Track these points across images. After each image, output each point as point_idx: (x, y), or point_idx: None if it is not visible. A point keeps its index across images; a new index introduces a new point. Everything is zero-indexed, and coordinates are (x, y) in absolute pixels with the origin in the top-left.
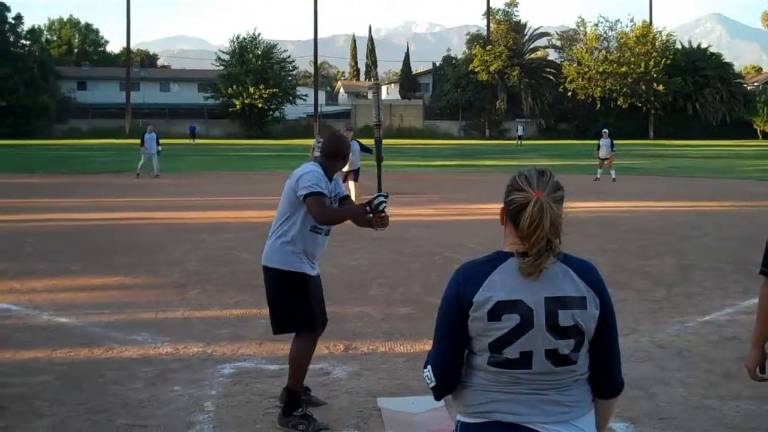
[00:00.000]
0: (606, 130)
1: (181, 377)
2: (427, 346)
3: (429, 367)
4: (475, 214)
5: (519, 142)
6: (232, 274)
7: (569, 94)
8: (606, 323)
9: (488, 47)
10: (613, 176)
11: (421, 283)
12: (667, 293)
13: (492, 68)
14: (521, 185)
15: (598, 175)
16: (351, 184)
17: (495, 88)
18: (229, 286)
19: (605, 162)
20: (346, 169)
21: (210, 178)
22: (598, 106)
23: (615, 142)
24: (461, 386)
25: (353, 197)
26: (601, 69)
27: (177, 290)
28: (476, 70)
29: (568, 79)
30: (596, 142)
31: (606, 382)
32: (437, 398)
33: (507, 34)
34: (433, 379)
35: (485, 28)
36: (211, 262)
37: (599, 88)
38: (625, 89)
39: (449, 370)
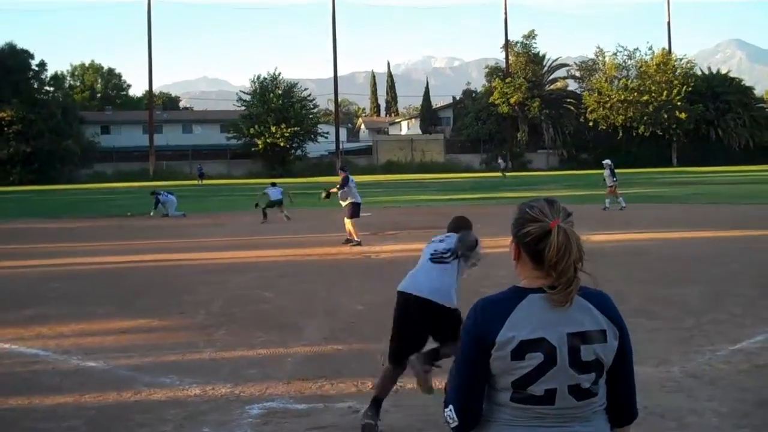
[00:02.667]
0: (606, 161)
1: (209, 419)
2: None
3: (450, 406)
4: (499, 246)
5: (503, 174)
6: (257, 314)
7: (590, 123)
8: (624, 354)
9: (508, 79)
10: (623, 204)
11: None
12: (697, 321)
13: (512, 100)
14: (535, 216)
15: (606, 205)
16: (347, 221)
17: (516, 120)
18: (255, 325)
19: (609, 191)
20: (344, 204)
21: (231, 218)
22: (620, 135)
23: (632, 170)
24: (483, 421)
25: (352, 234)
26: (621, 97)
27: (203, 331)
28: (496, 102)
29: (589, 109)
30: (616, 171)
31: (623, 410)
32: None
33: (526, 66)
34: (456, 419)
35: (504, 60)
36: (237, 302)
37: (620, 117)
38: (646, 117)
39: (472, 409)
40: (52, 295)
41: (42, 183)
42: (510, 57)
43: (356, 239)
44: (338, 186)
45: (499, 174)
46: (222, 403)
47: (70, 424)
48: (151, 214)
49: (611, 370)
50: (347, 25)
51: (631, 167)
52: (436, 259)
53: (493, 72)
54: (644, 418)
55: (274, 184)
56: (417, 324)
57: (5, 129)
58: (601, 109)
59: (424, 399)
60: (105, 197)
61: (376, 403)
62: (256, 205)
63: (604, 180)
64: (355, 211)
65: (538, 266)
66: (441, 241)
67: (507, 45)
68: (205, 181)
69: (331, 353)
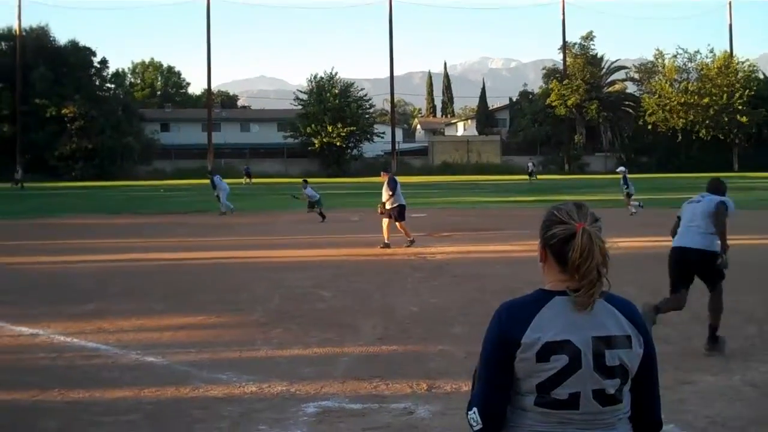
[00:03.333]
0: (620, 168)
1: (265, 416)
2: None
3: (474, 409)
4: None
5: (532, 178)
6: (313, 312)
7: (649, 126)
8: (649, 362)
9: (565, 81)
10: (640, 206)
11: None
12: (759, 330)
13: (569, 102)
14: (562, 218)
15: (634, 209)
16: (387, 222)
17: (573, 122)
18: (311, 324)
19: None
20: (388, 206)
21: (286, 216)
22: (679, 138)
23: (692, 175)
24: (507, 428)
25: (407, 237)
26: (681, 100)
27: (260, 329)
28: (553, 104)
29: (648, 112)
30: (676, 175)
31: (648, 420)
32: None
33: (584, 67)
34: (480, 422)
35: (561, 62)
36: (293, 301)
37: (681, 121)
38: (707, 121)
39: (496, 412)
40: (114, 290)
41: (103, 179)
42: (567, 58)
43: (410, 238)
44: (389, 194)
45: (527, 177)
46: (277, 401)
47: (129, 418)
48: (216, 194)
49: (636, 378)
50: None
51: (691, 171)
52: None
53: (551, 73)
54: (704, 428)
55: (306, 182)
56: (687, 266)
57: (68, 125)
58: (660, 111)
59: None
60: (164, 194)
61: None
62: (295, 197)
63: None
64: (402, 213)
65: (563, 268)
66: (698, 201)
67: (564, 46)
68: (254, 180)
69: (386, 353)
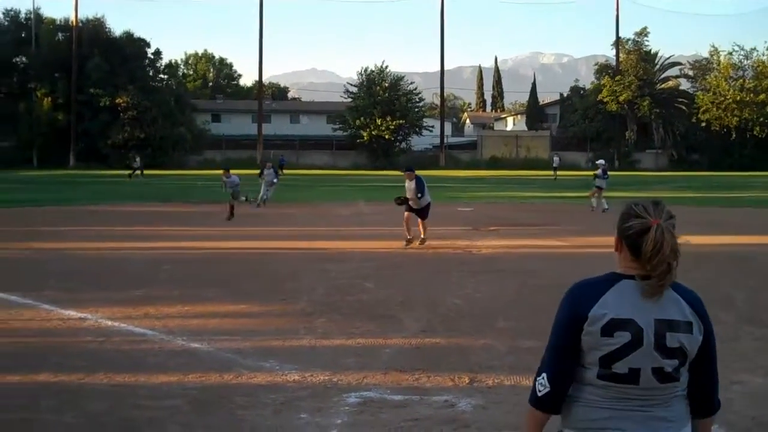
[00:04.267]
0: (601, 161)
1: (307, 405)
2: None
3: (543, 374)
4: (603, 246)
5: (555, 175)
6: (357, 304)
7: (702, 124)
8: (708, 348)
9: (617, 77)
10: (604, 205)
11: (548, 316)
12: None
13: (621, 98)
14: (639, 213)
15: (601, 206)
16: (408, 215)
17: (624, 119)
18: (355, 315)
19: (597, 192)
20: (414, 205)
21: (333, 208)
22: (733, 136)
23: (746, 173)
24: (570, 401)
25: (422, 234)
26: (737, 98)
27: (304, 318)
28: (605, 100)
29: (702, 109)
30: (729, 173)
31: (705, 402)
32: (543, 408)
33: (637, 63)
34: (547, 386)
35: (614, 57)
36: (337, 291)
37: (735, 119)
38: (762, 119)
39: (563, 379)
40: (162, 277)
41: (154, 168)
42: (621, 54)
43: (422, 236)
44: (417, 194)
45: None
46: (320, 390)
47: (173, 402)
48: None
49: (695, 363)
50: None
51: (745, 170)
52: None
53: (603, 69)
54: (749, 428)
55: (228, 170)
56: None
57: (121, 115)
58: (714, 109)
59: (525, 397)
60: (214, 183)
61: None
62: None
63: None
64: (428, 211)
65: (635, 258)
66: None
67: (618, 42)
68: (285, 171)
69: (429, 346)
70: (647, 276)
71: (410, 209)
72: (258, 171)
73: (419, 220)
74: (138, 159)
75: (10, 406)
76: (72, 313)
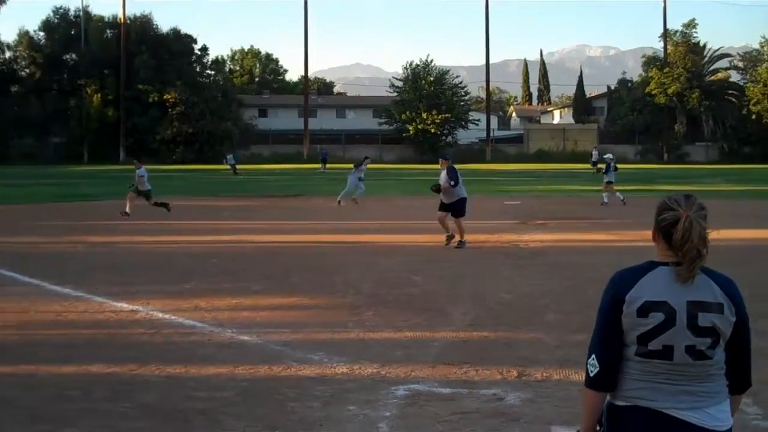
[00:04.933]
0: (608, 155)
1: (355, 397)
2: None
3: (593, 356)
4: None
5: (595, 169)
6: (405, 297)
7: (753, 116)
8: (741, 329)
9: (666, 69)
10: (604, 200)
11: (598, 310)
12: None
13: (670, 91)
14: (671, 205)
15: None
16: (449, 218)
17: (673, 111)
18: (403, 308)
19: (608, 186)
20: (446, 200)
21: (379, 202)
22: None
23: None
24: None
25: (458, 236)
26: None
27: (352, 311)
28: (653, 92)
29: (753, 101)
30: None
31: (739, 378)
32: (597, 387)
33: (685, 55)
34: (597, 366)
35: (662, 50)
36: (385, 285)
37: None
38: None
39: (610, 357)
40: (211, 270)
41: (202, 162)
42: (669, 46)
43: (461, 239)
44: (451, 182)
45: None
46: (368, 382)
47: (223, 394)
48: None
49: (730, 342)
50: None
51: None
52: None
53: (651, 61)
54: None
55: (139, 162)
56: None
57: (169, 110)
58: (766, 101)
59: (573, 391)
60: (262, 178)
61: None
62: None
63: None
64: (463, 208)
65: (668, 246)
66: None
67: (666, 34)
68: (329, 166)
69: (477, 339)
70: (679, 262)
71: (443, 207)
72: (352, 165)
73: (454, 219)
74: (231, 156)
75: (66, 396)
76: (124, 306)
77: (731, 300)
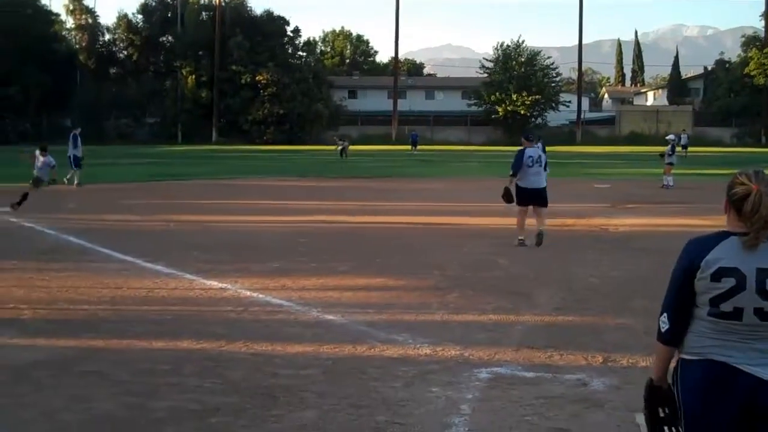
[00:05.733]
0: (671, 136)
1: (438, 378)
2: None
3: (664, 314)
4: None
5: (684, 152)
6: (490, 280)
7: None
8: None
9: (766, 50)
10: (670, 183)
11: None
12: None
13: None
14: (742, 180)
15: (666, 182)
16: (532, 211)
17: None
18: (488, 291)
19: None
20: (524, 184)
21: (465, 184)
22: None
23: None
24: (687, 333)
25: (541, 226)
26: None
27: (437, 293)
28: (752, 73)
29: None
30: None
31: None
32: (666, 341)
33: None
34: (667, 322)
35: (763, 29)
36: (470, 267)
37: None
38: None
39: (680, 317)
40: (300, 249)
41: (292, 143)
42: None
43: (520, 237)
44: (511, 173)
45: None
46: (451, 364)
47: (308, 372)
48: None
49: None
50: None
51: None
52: None
53: (750, 41)
54: None
55: (44, 150)
56: None
57: (261, 92)
58: None
59: None
60: (351, 159)
61: None
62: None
63: (663, 156)
64: (520, 196)
65: (739, 217)
66: None
67: (767, 12)
68: (419, 148)
69: (562, 324)
70: (747, 232)
71: (522, 201)
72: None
73: (537, 211)
74: (338, 139)
75: (157, 371)
76: (213, 283)
77: None
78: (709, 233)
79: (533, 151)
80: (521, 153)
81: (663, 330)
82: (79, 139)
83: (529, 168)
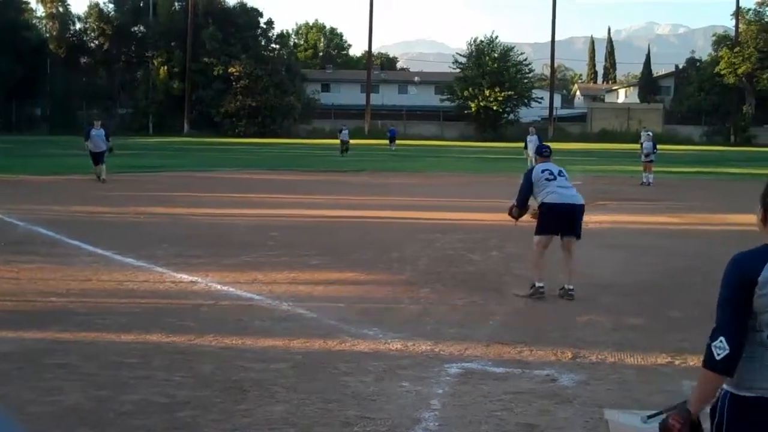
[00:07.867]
0: (648, 132)
1: (409, 373)
2: (660, 359)
3: (721, 338)
4: (720, 224)
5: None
6: (462, 275)
7: None
8: None
9: (736, 49)
10: (649, 180)
11: (657, 293)
12: None
13: (740, 71)
14: None
15: (643, 180)
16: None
17: (742, 92)
18: (459, 286)
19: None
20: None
21: (438, 179)
22: None
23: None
24: (744, 360)
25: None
26: None
27: (408, 288)
28: (722, 72)
29: None
30: None
31: None
32: (722, 370)
33: (758, 35)
34: (726, 348)
35: (734, 28)
36: (442, 262)
37: None
38: None
39: (739, 340)
40: (271, 243)
41: (264, 136)
42: (740, 25)
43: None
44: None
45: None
46: (421, 359)
47: (278, 366)
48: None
49: None
50: None
51: None
52: None
53: (721, 40)
54: None
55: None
56: None
57: (233, 84)
58: None
59: (628, 374)
60: (323, 152)
61: None
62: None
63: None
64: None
65: None
66: None
67: (738, 12)
68: (398, 143)
69: (532, 319)
70: None
71: (548, 228)
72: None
73: (567, 246)
74: (344, 131)
75: (125, 364)
76: (183, 277)
77: None
78: (755, 248)
79: (549, 165)
80: (530, 172)
81: (719, 357)
82: (93, 132)
83: (551, 181)
